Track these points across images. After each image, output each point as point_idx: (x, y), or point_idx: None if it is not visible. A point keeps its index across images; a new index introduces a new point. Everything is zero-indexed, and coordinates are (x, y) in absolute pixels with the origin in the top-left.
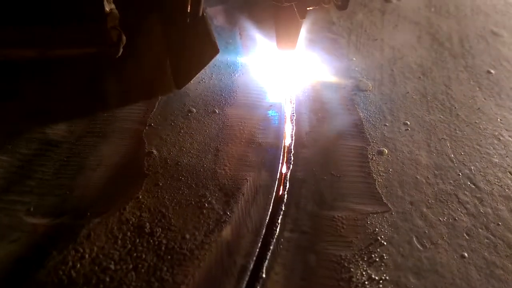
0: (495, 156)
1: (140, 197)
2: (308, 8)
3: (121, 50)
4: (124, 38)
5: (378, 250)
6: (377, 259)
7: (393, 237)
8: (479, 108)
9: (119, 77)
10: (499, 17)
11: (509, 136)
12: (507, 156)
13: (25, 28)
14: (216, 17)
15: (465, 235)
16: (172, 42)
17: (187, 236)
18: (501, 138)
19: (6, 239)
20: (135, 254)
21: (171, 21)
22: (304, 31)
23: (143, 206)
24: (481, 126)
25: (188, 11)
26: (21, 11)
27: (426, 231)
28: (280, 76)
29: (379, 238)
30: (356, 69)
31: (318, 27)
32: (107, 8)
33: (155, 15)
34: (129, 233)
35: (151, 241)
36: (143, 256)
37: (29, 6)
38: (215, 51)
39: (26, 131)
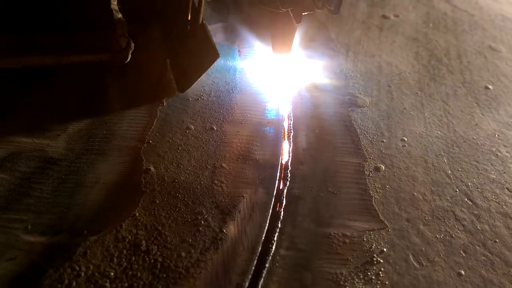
0: (493, 173)
1: (137, 214)
2: (303, 13)
3: (130, 56)
4: (132, 44)
5: (374, 268)
6: (373, 277)
7: (389, 254)
8: (476, 124)
9: (119, 87)
10: (497, 32)
11: (507, 152)
12: (504, 172)
13: (41, 36)
14: (215, 34)
15: (462, 252)
16: (173, 48)
17: (183, 254)
18: (499, 154)
19: (2, 258)
20: (130, 273)
21: (173, 29)
22: (303, 47)
23: (140, 223)
24: (478, 142)
25: (189, 18)
26: (37, 20)
27: (423, 249)
28: (278, 93)
29: (375, 255)
30: (354, 85)
31: (316, 43)
32: (116, 17)
33: (156, 23)
34: (125, 251)
35: (147, 259)
36: (139, 274)
37: (44, 15)
38: (216, 55)
39: (25, 148)
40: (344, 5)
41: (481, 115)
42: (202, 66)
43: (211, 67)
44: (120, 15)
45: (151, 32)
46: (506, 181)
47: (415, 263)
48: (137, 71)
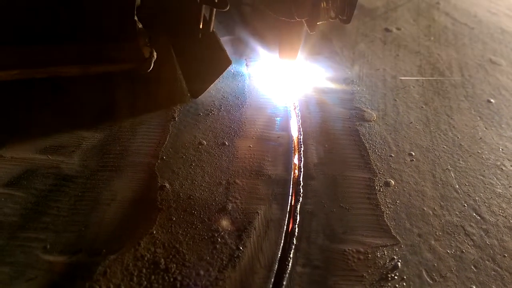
0: (498, 187)
1: (154, 232)
2: (318, 23)
3: (152, 64)
4: (155, 54)
5: (389, 284)
6: None
7: (403, 271)
8: (481, 138)
9: (131, 101)
10: (497, 46)
11: (511, 166)
12: (510, 187)
13: (68, 46)
14: None
15: (472, 267)
16: (185, 56)
17: (201, 272)
18: (504, 168)
19: (23, 278)
20: None
21: (184, 38)
22: (309, 60)
23: (158, 241)
24: (483, 156)
25: (200, 27)
26: (63, 30)
27: (435, 264)
28: (287, 107)
29: (389, 272)
30: (360, 99)
31: (322, 57)
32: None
33: (167, 33)
34: (144, 270)
35: (166, 277)
36: None
37: (72, 28)
38: (228, 62)
39: (41, 165)
40: None
41: (484, 129)
42: (215, 72)
43: (222, 76)
44: (141, 25)
45: (163, 42)
46: None
47: (428, 279)
48: (149, 83)
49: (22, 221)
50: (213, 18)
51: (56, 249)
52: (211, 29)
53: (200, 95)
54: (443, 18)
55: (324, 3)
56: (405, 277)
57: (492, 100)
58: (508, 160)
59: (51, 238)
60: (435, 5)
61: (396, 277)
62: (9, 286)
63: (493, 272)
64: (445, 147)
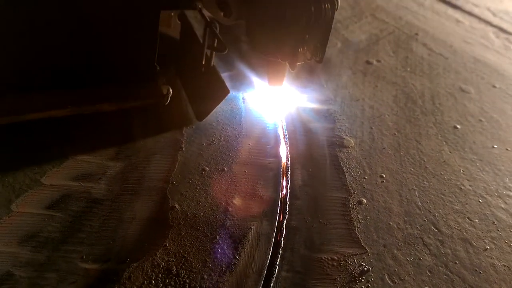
0: (456, 204)
1: (167, 245)
2: (297, 63)
3: (169, 100)
4: (171, 90)
5: (357, 286)
6: None
7: (369, 275)
8: (444, 161)
9: (144, 133)
10: (468, 75)
11: (470, 186)
12: (466, 204)
13: (107, 88)
14: None
15: (427, 272)
16: (191, 86)
17: (205, 276)
18: (463, 187)
19: (66, 282)
20: None
21: (190, 71)
22: (298, 93)
23: (170, 252)
24: (445, 177)
25: (203, 63)
26: (105, 76)
27: (396, 269)
28: (277, 136)
29: (358, 276)
30: (341, 127)
31: (309, 89)
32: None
33: (176, 68)
34: (160, 275)
35: (178, 281)
36: None
37: (109, 73)
38: (227, 91)
39: (74, 191)
40: (334, 52)
41: (449, 153)
42: (216, 100)
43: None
44: (158, 67)
45: (171, 75)
46: (468, 211)
47: (389, 282)
48: (160, 111)
49: (62, 236)
50: (214, 56)
51: (91, 258)
52: (212, 64)
53: (203, 119)
54: (420, 49)
55: (301, 48)
56: (370, 280)
57: (458, 126)
58: (468, 180)
59: (86, 250)
60: (414, 36)
61: (363, 280)
62: None
63: (445, 276)
64: (412, 169)
